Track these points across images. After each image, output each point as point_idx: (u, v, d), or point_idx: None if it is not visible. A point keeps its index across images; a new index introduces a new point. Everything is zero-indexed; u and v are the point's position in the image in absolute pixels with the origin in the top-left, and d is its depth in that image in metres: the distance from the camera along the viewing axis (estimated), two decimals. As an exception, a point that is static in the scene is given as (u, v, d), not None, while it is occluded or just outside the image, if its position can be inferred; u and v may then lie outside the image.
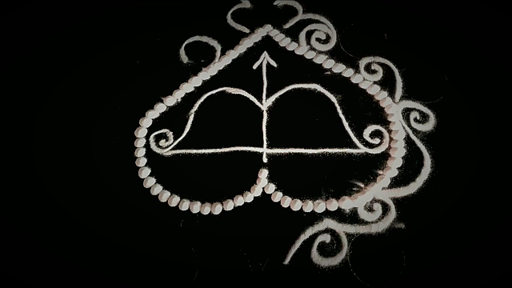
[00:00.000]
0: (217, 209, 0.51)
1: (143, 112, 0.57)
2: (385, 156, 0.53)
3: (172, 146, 0.55)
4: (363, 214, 0.50)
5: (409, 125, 0.55)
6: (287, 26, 0.63)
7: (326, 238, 0.49)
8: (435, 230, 0.48)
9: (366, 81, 0.58)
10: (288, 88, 0.58)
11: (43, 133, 0.56)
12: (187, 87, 0.59)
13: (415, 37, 0.60)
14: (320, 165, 0.53)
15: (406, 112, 0.56)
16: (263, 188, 0.52)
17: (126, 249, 0.49)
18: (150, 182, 0.53)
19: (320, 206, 0.50)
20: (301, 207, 0.50)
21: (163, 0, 0.64)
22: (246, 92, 0.58)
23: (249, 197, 0.51)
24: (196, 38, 0.62)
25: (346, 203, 0.50)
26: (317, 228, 0.50)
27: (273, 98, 0.57)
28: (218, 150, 0.54)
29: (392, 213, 0.50)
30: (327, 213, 0.50)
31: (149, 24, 0.62)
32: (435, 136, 0.54)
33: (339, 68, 0.59)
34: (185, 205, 0.51)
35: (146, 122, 0.57)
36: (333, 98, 0.57)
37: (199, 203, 0.51)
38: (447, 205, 0.50)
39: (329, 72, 0.59)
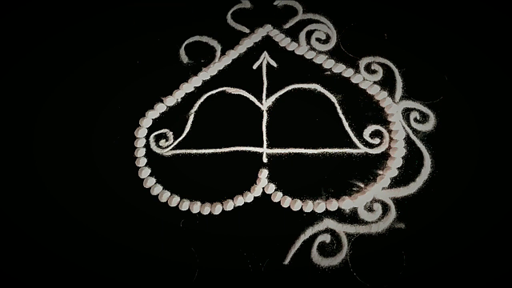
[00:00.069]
0: (217, 209, 0.51)
1: (143, 112, 0.57)
2: (385, 156, 0.53)
3: (172, 146, 0.55)
4: (363, 214, 0.50)
5: (409, 125, 0.55)
6: (287, 26, 0.63)
7: (326, 238, 0.49)
8: (435, 230, 0.48)
9: (366, 81, 0.58)
10: (288, 88, 0.58)
11: (43, 133, 0.56)
12: (187, 87, 0.59)
13: (415, 37, 0.60)
14: (320, 165, 0.53)
15: (406, 112, 0.56)
16: (263, 188, 0.52)
17: (126, 249, 0.49)
18: (150, 182, 0.53)
19: (320, 206, 0.50)
20: (301, 207, 0.50)
21: (163, 0, 0.64)
22: (246, 92, 0.58)
23: (249, 197, 0.51)
24: (196, 38, 0.62)
25: (346, 203, 0.50)
26: (317, 228, 0.50)
27: (273, 98, 0.57)
28: (218, 150, 0.54)
29: (392, 213, 0.50)
30: (327, 213, 0.50)
31: (149, 24, 0.62)
32: (435, 136, 0.54)
33: (339, 68, 0.59)
34: (185, 205, 0.51)
35: (146, 122, 0.57)
36: (333, 98, 0.57)
37: (199, 203, 0.51)
38: (447, 205, 0.50)
39: (329, 72, 0.59)
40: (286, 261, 0.48)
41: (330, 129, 0.55)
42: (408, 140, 0.54)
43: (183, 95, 0.58)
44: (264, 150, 0.54)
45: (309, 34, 0.62)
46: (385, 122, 0.55)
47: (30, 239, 0.50)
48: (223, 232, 0.50)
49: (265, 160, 0.54)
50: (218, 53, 0.61)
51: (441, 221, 0.49)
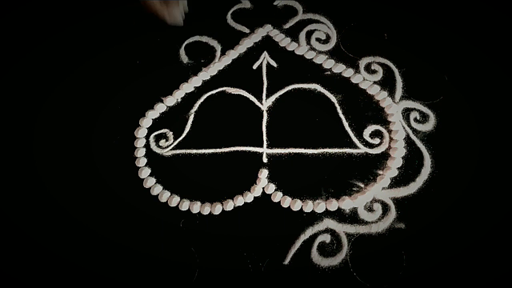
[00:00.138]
0: (217, 209, 0.51)
1: (143, 112, 0.57)
2: (385, 156, 0.53)
3: (172, 146, 0.55)
4: (363, 214, 0.50)
5: (409, 125, 0.55)
6: (287, 26, 0.63)
7: (326, 238, 0.49)
8: (435, 230, 0.48)
9: (366, 81, 0.58)
10: (288, 88, 0.58)
11: (43, 133, 0.56)
12: (187, 87, 0.59)
13: (415, 37, 0.60)
14: (320, 165, 0.53)
15: (406, 112, 0.56)
16: (263, 188, 0.52)
17: (126, 249, 0.49)
18: (150, 182, 0.53)
19: (320, 206, 0.50)
20: (301, 207, 0.50)
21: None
22: (246, 92, 0.58)
23: (249, 197, 0.51)
24: (196, 38, 0.62)
25: (346, 203, 0.50)
26: (317, 228, 0.50)
27: (273, 98, 0.57)
28: (218, 150, 0.54)
29: (392, 213, 0.50)
30: (327, 213, 0.50)
31: (149, 24, 0.62)
32: (435, 136, 0.54)
33: (339, 68, 0.59)
34: (185, 205, 0.51)
35: (146, 122, 0.57)
36: (333, 98, 0.57)
37: (199, 203, 0.51)
38: (447, 205, 0.50)
39: (329, 72, 0.59)
40: (286, 261, 0.48)
41: (330, 129, 0.55)
42: (408, 140, 0.54)
43: (183, 95, 0.58)
44: (264, 150, 0.54)
45: (309, 34, 0.62)
46: (385, 122, 0.55)
47: (30, 239, 0.50)
48: (223, 232, 0.50)
49: (265, 160, 0.54)
50: (218, 53, 0.61)
51: (441, 221, 0.49)
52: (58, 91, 0.59)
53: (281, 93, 0.58)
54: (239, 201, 0.51)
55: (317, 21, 0.63)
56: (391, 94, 0.57)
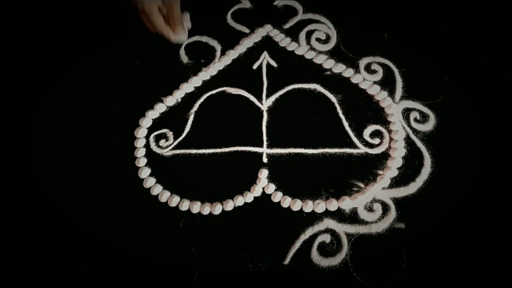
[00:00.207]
0: (217, 209, 0.51)
1: (143, 112, 0.57)
2: (385, 156, 0.53)
3: (172, 146, 0.55)
4: (363, 214, 0.50)
5: (409, 125, 0.55)
6: (287, 26, 0.63)
7: (326, 238, 0.49)
8: (435, 230, 0.48)
9: (366, 81, 0.58)
10: (288, 88, 0.58)
11: (43, 133, 0.56)
12: (187, 87, 0.59)
13: (415, 37, 0.60)
14: (320, 165, 0.53)
15: (406, 112, 0.56)
16: (263, 188, 0.52)
17: (126, 249, 0.49)
18: (150, 182, 0.53)
19: (320, 206, 0.50)
20: (301, 207, 0.50)
21: None
22: (246, 92, 0.58)
23: (249, 197, 0.51)
24: (196, 38, 0.62)
25: (346, 203, 0.50)
26: (317, 228, 0.50)
27: (273, 98, 0.57)
28: (218, 150, 0.54)
29: (392, 213, 0.50)
30: (327, 213, 0.50)
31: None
32: (435, 136, 0.54)
33: (339, 68, 0.59)
34: (185, 205, 0.51)
35: (146, 122, 0.57)
36: (333, 98, 0.57)
37: (199, 203, 0.51)
38: (447, 205, 0.50)
39: (329, 72, 0.59)
40: (286, 261, 0.48)
41: (330, 129, 0.55)
42: (408, 140, 0.54)
43: (183, 95, 0.58)
44: (264, 150, 0.54)
45: (309, 34, 0.62)
46: (385, 122, 0.55)
47: (30, 239, 0.50)
48: (223, 232, 0.50)
49: (265, 160, 0.54)
50: (218, 53, 0.61)
51: (441, 221, 0.49)
52: (58, 91, 0.59)
53: (281, 93, 0.58)
54: (239, 201, 0.51)
55: (317, 21, 0.63)
56: (391, 94, 0.57)
